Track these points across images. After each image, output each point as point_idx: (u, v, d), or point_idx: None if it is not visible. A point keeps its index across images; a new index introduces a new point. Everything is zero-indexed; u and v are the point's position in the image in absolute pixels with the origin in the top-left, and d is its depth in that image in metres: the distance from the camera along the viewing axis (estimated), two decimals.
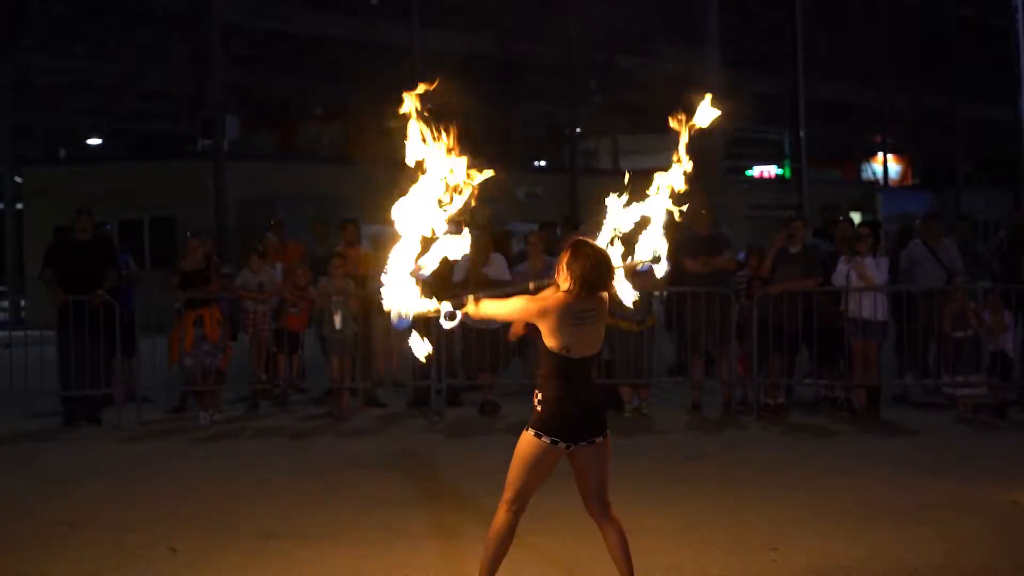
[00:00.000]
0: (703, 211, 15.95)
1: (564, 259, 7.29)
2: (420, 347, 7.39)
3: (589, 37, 43.56)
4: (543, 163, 49.67)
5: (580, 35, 42.50)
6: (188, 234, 16.53)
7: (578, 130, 44.16)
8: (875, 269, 14.93)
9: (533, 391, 7.36)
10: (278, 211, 25.42)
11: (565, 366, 7.23)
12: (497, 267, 15.63)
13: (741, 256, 16.54)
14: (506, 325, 15.59)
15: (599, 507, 7.52)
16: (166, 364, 16.13)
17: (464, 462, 12.57)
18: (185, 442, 14.05)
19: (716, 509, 10.25)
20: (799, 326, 15.08)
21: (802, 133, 41.01)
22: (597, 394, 7.50)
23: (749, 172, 49.54)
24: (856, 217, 25.04)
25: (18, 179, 36.89)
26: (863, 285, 14.85)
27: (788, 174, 46.03)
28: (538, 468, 7.35)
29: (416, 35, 36.00)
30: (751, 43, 47.50)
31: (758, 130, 52.53)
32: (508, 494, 7.41)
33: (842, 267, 15.07)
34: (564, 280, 7.23)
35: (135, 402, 15.41)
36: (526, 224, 25.70)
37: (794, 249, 15.20)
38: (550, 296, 7.29)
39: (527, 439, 7.31)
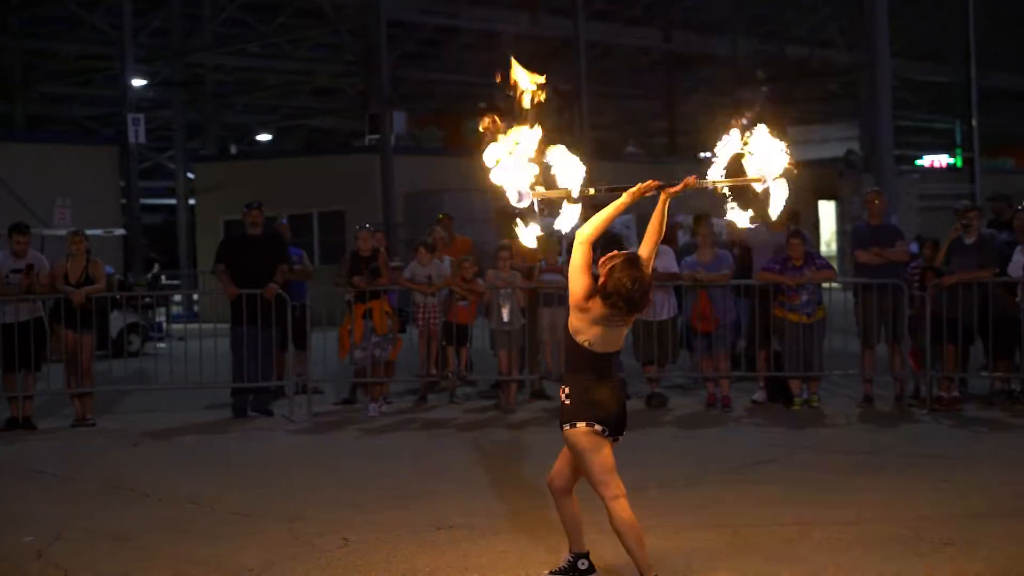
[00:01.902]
0: (875, 201, 15.70)
1: (613, 264, 7.37)
2: (527, 233, 7.59)
3: (757, 27, 43.20)
4: (709, 154, 49.30)
5: (747, 25, 42.13)
6: (357, 227, 16.69)
7: (744, 121, 43.69)
8: None
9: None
10: (445, 205, 25.60)
11: (591, 359, 7.50)
12: (665, 260, 15.52)
13: (913, 247, 16.21)
14: (674, 318, 15.60)
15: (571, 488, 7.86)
16: (337, 356, 16.35)
17: (631, 454, 12.46)
18: (355, 433, 14.21)
19: (889, 503, 10.04)
20: (974, 318, 14.73)
21: (974, 121, 40.15)
22: (622, 392, 7.76)
23: (919, 162, 48.61)
24: None
25: (191, 175, 37.69)
26: None
27: (960, 163, 45.04)
28: (605, 452, 7.55)
29: (581, 28, 35.97)
30: (922, 31, 46.67)
31: (928, 119, 51.60)
32: (607, 491, 7.55)
33: (1019, 257, 14.68)
34: (604, 281, 7.34)
35: (306, 394, 15.62)
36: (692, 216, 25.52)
37: (969, 240, 14.84)
38: (597, 302, 7.38)
39: (580, 434, 7.51)
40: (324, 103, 48.22)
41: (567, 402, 7.55)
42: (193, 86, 40.87)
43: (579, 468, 7.66)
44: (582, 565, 7.91)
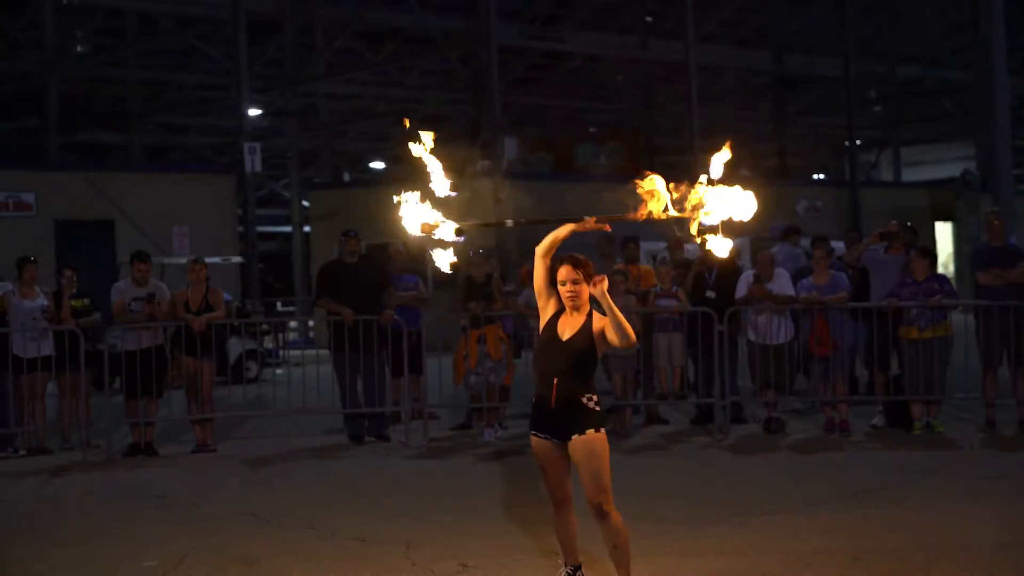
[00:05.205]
0: (995, 222, 15.46)
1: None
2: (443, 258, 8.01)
3: (868, 47, 42.76)
4: (822, 176, 48.94)
5: (859, 45, 41.70)
6: (470, 253, 16.71)
7: (858, 142, 43.30)
8: None
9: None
10: None
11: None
12: (781, 282, 15.41)
13: None
14: (790, 342, 15.44)
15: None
16: (452, 382, 16.39)
17: (750, 480, 12.43)
18: (471, 459, 14.22)
19: (1017, 530, 9.86)
20: None
21: None
22: None
23: None
24: None
25: (305, 203, 38.08)
26: None
27: None
28: None
29: (691, 51, 35.86)
30: None
31: None
32: (609, 496, 7.74)
33: None
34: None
35: (422, 419, 15.67)
36: (806, 238, 25.32)
37: None
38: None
39: (605, 439, 7.73)
40: (435, 129, 48.48)
41: (597, 408, 7.71)
42: (307, 115, 41.35)
43: (594, 472, 7.65)
44: None
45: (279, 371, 24.72)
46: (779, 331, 15.37)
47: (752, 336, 15.55)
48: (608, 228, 7.85)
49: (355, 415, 15.50)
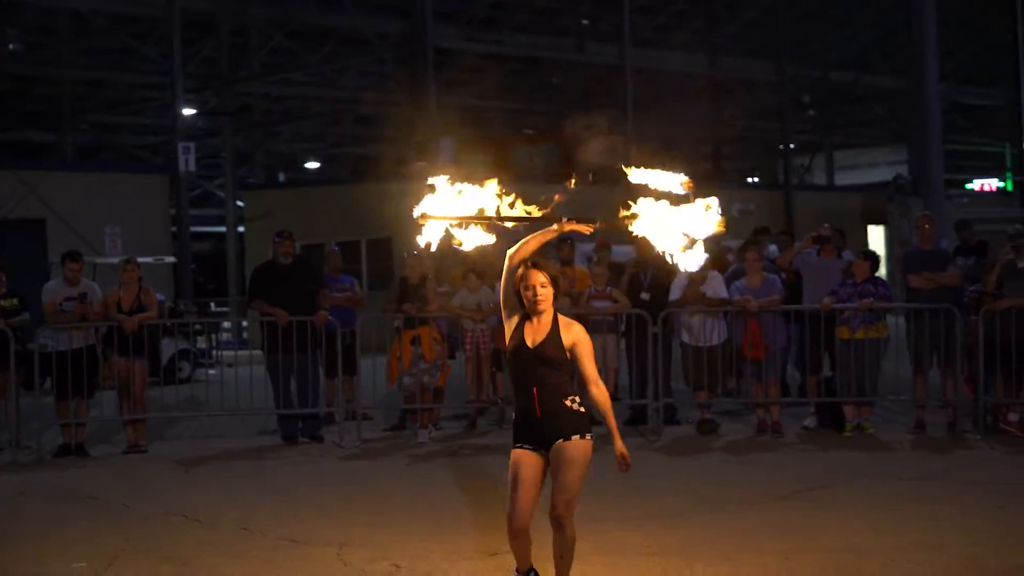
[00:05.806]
0: (926, 226, 15.62)
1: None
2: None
3: (802, 52, 43.07)
4: (756, 179, 49.23)
5: (792, 50, 42.02)
6: (405, 254, 16.71)
7: (792, 145, 43.60)
8: None
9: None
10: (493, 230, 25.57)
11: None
12: (714, 284, 15.49)
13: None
14: (723, 343, 15.51)
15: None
16: (385, 383, 16.36)
17: (683, 480, 12.48)
18: (405, 459, 14.20)
19: (944, 530, 9.95)
20: None
21: None
22: None
23: (969, 185, 48.37)
24: None
25: (240, 203, 37.91)
26: None
27: (1010, 187, 44.77)
28: None
29: (627, 54, 35.99)
30: (970, 54, 46.46)
31: (978, 142, 51.34)
32: (577, 506, 7.61)
33: None
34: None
35: (356, 420, 15.64)
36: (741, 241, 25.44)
37: (1022, 263, 14.72)
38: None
39: (591, 447, 7.55)
40: (370, 130, 48.49)
41: (583, 410, 7.53)
42: (241, 115, 41.16)
43: (568, 482, 7.47)
44: None
45: (212, 371, 24.57)
46: (712, 333, 15.45)
47: (686, 338, 15.63)
48: (590, 230, 7.56)
49: (288, 416, 15.44)
